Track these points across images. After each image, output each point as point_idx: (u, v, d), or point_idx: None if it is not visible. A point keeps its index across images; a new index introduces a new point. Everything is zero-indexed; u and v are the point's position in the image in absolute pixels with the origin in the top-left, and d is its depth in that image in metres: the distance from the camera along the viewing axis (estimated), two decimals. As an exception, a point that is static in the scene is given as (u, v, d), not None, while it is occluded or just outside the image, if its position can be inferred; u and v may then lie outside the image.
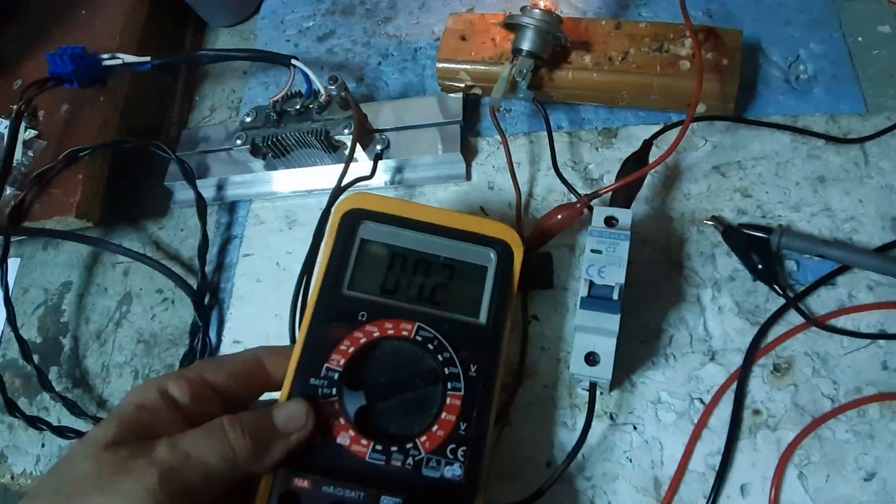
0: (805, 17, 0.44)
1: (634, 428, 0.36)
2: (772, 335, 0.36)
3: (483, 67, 0.43)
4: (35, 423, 0.44)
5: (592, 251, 0.32)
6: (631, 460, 0.35)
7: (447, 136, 0.44)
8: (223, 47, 0.56)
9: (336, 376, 0.29)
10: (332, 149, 0.45)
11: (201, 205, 0.46)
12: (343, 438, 0.28)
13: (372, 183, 0.44)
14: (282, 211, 0.47)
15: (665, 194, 0.40)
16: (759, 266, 0.36)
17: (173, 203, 0.50)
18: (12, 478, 0.44)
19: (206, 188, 0.48)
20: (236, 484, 0.26)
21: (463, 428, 0.29)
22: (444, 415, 0.29)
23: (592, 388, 0.34)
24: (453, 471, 0.28)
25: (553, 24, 0.38)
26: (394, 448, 0.28)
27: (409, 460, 0.28)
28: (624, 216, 0.34)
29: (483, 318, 0.31)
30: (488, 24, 0.44)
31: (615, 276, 0.32)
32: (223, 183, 0.48)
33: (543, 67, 0.41)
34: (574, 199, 0.39)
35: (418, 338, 0.30)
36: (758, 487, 0.33)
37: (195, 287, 0.45)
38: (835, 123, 0.41)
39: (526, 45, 0.39)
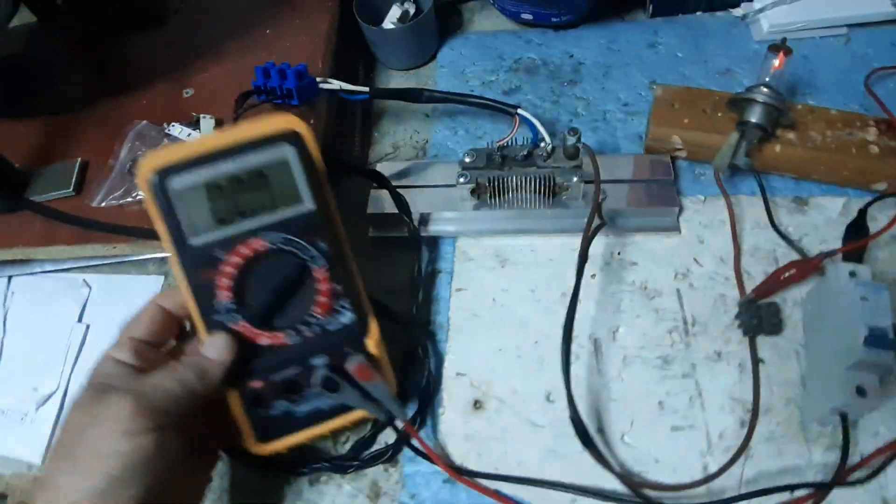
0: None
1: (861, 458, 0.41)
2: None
3: (698, 134, 0.49)
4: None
5: (862, 298, 0.38)
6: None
7: (659, 191, 0.49)
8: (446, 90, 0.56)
9: (230, 304, 0.36)
10: (552, 194, 0.49)
11: (417, 238, 0.48)
12: (263, 340, 0.37)
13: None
14: (491, 250, 0.50)
15: (858, 257, 0.47)
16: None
17: (371, 233, 0.51)
18: None
19: (408, 222, 0.50)
20: (199, 403, 0.35)
21: (338, 287, 0.38)
22: (321, 286, 0.37)
23: (846, 419, 0.39)
24: (346, 317, 0.38)
25: (782, 102, 0.45)
26: (300, 326, 0.37)
27: (316, 327, 0.37)
28: (864, 271, 0.41)
29: (308, 202, 0.37)
30: (695, 95, 0.50)
31: (886, 319, 0.38)
32: (426, 217, 0.51)
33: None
34: (796, 256, 0.45)
35: (271, 245, 0.36)
36: None
37: (406, 318, 0.47)
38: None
39: (755, 118, 0.46)
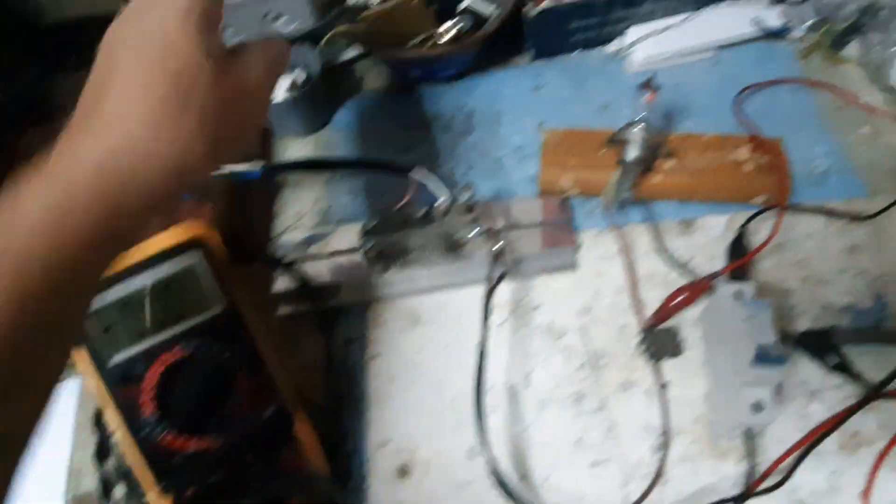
0: (811, 124, 0.57)
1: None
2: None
3: (585, 172, 0.52)
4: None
5: (748, 317, 0.41)
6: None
7: (557, 232, 0.52)
8: (328, 157, 0.61)
9: (155, 418, 0.37)
10: (452, 249, 0.50)
11: (326, 311, 0.49)
12: (193, 446, 0.38)
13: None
14: (403, 311, 0.52)
15: (744, 269, 0.50)
16: (831, 361, 0.46)
17: (280, 311, 0.52)
18: None
19: (318, 294, 0.51)
20: None
21: (257, 382, 0.39)
22: (240, 384, 0.39)
23: (750, 433, 0.42)
24: (269, 410, 0.39)
25: (656, 137, 0.49)
26: (226, 427, 0.38)
27: (241, 425, 0.39)
28: (747, 290, 0.44)
29: (218, 304, 0.39)
30: (579, 137, 0.53)
31: (769, 336, 0.40)
32: (335, 288, 0.52)
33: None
34: (686, 280, 0.48)
35: (189, 352, 0.38)
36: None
37: (320, 401, 0.47)
38: (850, 205, 0.53)
39: (632, 156, 0.49)
